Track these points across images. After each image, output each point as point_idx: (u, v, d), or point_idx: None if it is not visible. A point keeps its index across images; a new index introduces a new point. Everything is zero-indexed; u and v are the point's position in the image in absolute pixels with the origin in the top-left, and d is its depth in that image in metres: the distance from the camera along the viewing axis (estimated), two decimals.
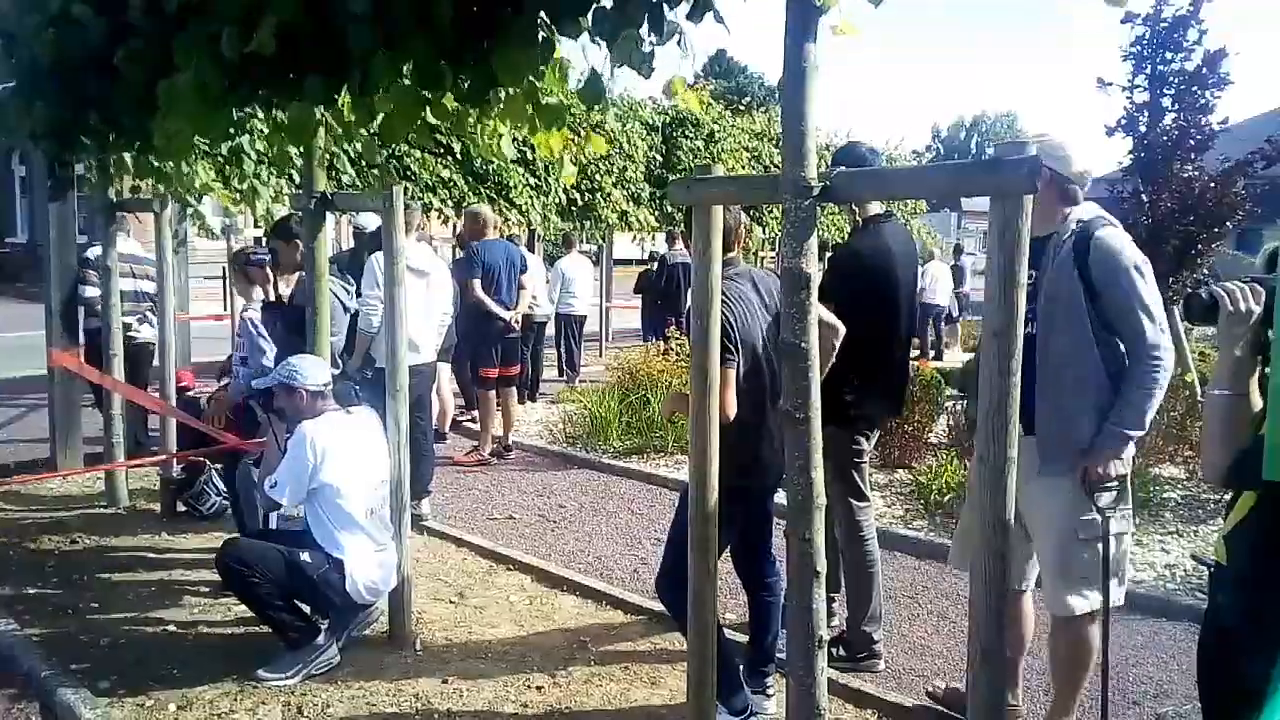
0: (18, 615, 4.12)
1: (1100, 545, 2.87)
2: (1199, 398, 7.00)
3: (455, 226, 10.37)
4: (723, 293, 3.05)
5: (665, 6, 2.39)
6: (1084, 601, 2.93)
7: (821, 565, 2.24)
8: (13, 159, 20.18)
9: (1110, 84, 9.01)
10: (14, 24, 4.58)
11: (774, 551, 3.52)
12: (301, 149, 3.97)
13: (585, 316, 11.28)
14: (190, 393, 6.10)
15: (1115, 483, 2.85)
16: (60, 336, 6.38)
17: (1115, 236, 2.90)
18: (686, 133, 13.32)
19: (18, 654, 3.76)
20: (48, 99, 4.56)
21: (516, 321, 7.54)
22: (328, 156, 6.64)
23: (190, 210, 6.35)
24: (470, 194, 9.90)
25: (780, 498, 2.93)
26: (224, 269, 11.30)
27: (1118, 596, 2.98)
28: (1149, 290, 2.82)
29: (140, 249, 6.96)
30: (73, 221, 6.69)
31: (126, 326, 6.33)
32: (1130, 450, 2.91)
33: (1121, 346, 2.85)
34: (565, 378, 10.87)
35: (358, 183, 8.28)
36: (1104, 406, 2.85)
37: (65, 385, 6.42)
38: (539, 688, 3.61)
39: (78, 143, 4.96)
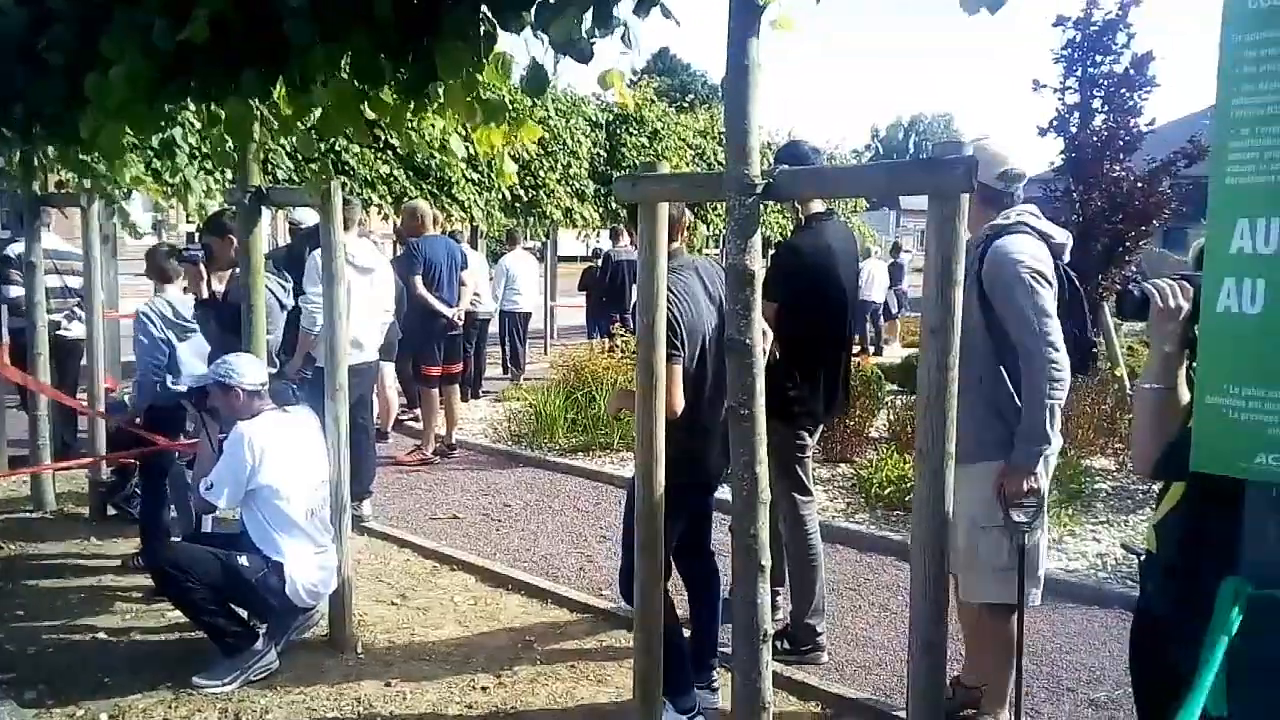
0: None
1: (1004, 535, 2.93)
2: (1128, 391, 7.23)
3: (395, 223, 10.23)
4: (668, 287, 3.06)
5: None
6: (985, 592, 3.00)
7: (766, 560, 2.26)
8: None
9: (1043, 86, 9.24)
10: None
11: (712, 546, 3.55)
12: (230, 146, 3.87)
13: (530, 313, 11.22)
14: (114, 394, 5.92)
15: (1031, 499, 2.90)
16: None
17: (1014, 246, 2.89)
18: (630, 130, 13.32)
19: None
20: None
21: (459, 318, 7.47)
22: (264, 151, 6.48)
23: (115, 207, 6.14)
24: (411, 189, 9.77)
25: (724, 493, 2.95)
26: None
27: (1034, 597, 3.06)
28: (1037, 302, 2.83)
29: (63, 243, 6.73)
30: None
31: (55, 325, 6.11)
32: (1055, 444, 2.96)
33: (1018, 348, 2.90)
34: (510, 375, 10.80)
35: (294, 177, 8.11)
36: (1003, 407, 2.92)
37: None
38: (484, 688, 3.58)
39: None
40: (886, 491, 5.82)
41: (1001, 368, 2.94)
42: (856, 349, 14.05)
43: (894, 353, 14.25)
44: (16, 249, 6.13)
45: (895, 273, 16.50)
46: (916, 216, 40.41)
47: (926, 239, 2.01)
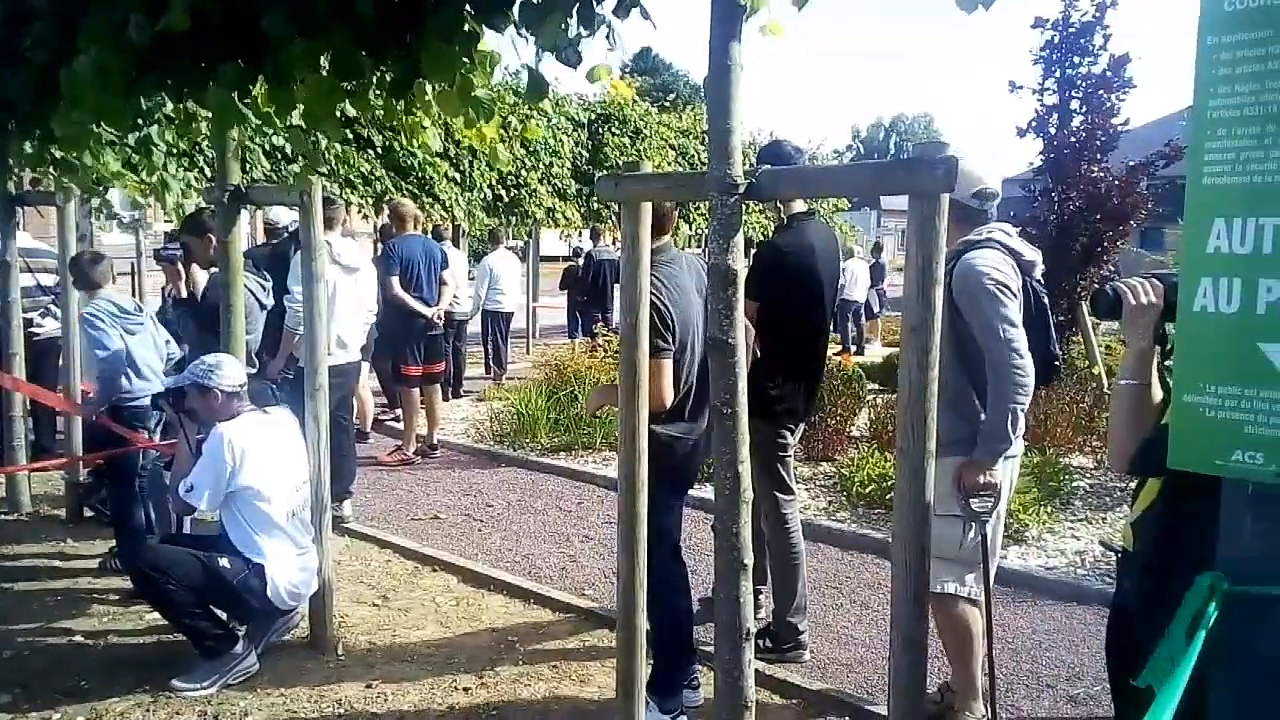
0: None
1: (958, 525, 3.02)
2: (1106, 389, 7.29)
3: (376, 222, 10.20)
4: (659, 280, 3.09)
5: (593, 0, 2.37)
6: (936, 582, 3.03)
7: (749, 558, 2.26)
8: None
9: (1021, 87, 9.32)
10: None
11: (695, 545, 3.55)
12: (211, 141, 3.84)
13: (512, 313, 11.19)
14: (91, 397, 5.85)
15: (989, 492, 3.00)
16: None
17: (981, 259, 3.00)
18: (613, 129, 13.32)
19: None
20: None
21: (439, 318, 7.44)
22: (241, 149, 6.43)
23: (98, 201, 6.06)
24: (392, 190, 9.73)
25: (705, 491, 2.96)
26: (132, 264, 10.85)
27: (980, 587, 3.11)
28: (1002, 312, 2.93)
29: (33, 241, 6.65)
30: None
31: (28, 322, 6.03)
32: (1017, 447, 3.05)
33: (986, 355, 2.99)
34: (492, 375, 10.77)
35: (272, 176, 8.05)
36: (965, 409, 3.01)
37: None
38: (466, 689, 3.57)
39: None
40: (868, 490, 5.84)
41: (965, 373, 3.03)
42: (838, 348, 14.14)
43: (875, 352, 14.32)
44: None
45: (876, 272, 16.60)
46: (897, 216, 40.64)
47: (907, 239, 2.02)
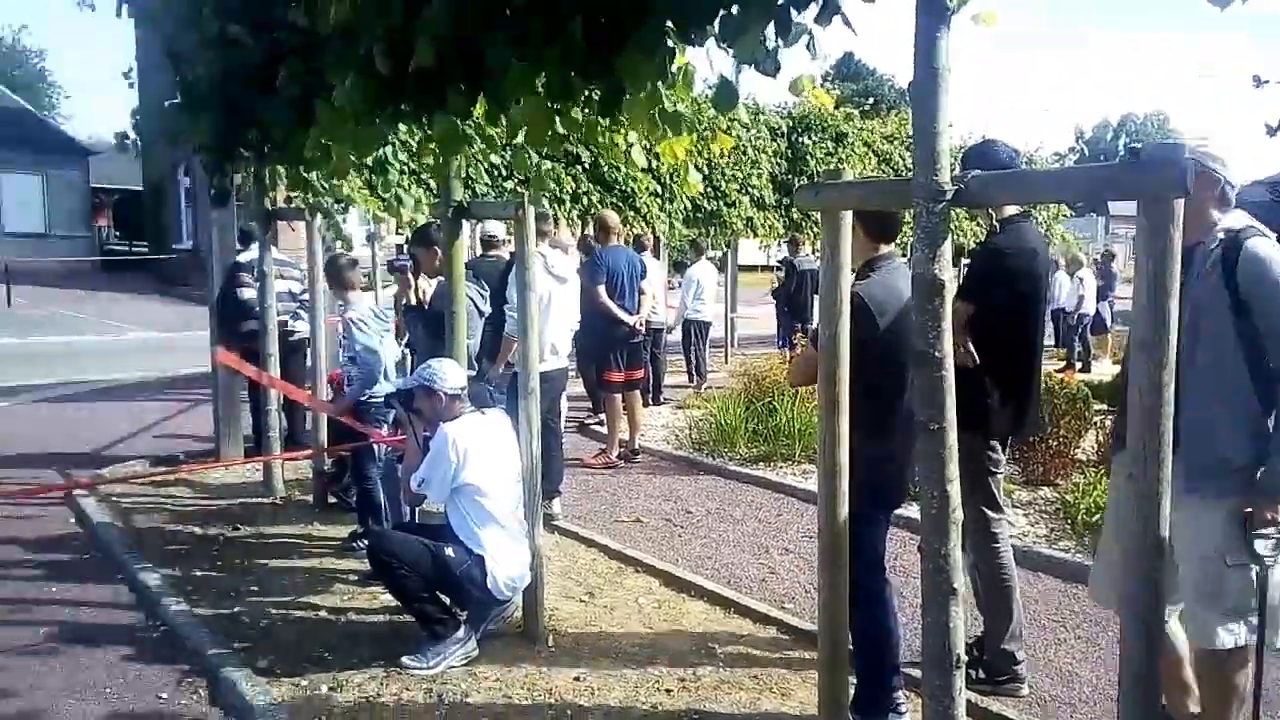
0: (188, 596, 4.47)
1: (1253, 572, 2.65)
2: None
3: (578, 234, 10.61)
4: (877, 284, 3.14)
5: (792, 9, 2.37)
6: (1229, 635, 2.72)
7: (958, 581, 2.17)
8: (178, 171, 21.93)
9: (1267, 81, 8.37)
10: (179, 43, 4.98)
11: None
12: (439, 161, 4.15)
13: (710, 322, 11.30)
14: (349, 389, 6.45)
15: (1275, 529, 2.60)
16: (221, 336, 6.83)
17: (1266, 247, 2.70)
18: (813, 136, 13.17)
19: (188, 633, 4.08)
20: (211, 114, 4.92)
21: (640, 326, 7.64)
22: (465, 168, 6.87)
23: (330, 221, 6.62)
24: (598, 204, 10.11)
25: (912, 510, 2.88)
26: (367, 275, 11.86)
27: (1272, 639, 2.75)
28: None
29: (278, 253, 7.42)
30: (232, 229, 7.20)
31: (283, 324, 6.70)
32: None
33: (1271, 363, 2.65)
34: (693, 384, 10.91)
35: (491, 192, 8.59)
36: (1254, 423, 2.67)
37: (227, 381, 6.88)
38: (668, 690, 3.64)
39: (236, 155, 5.33)
40: (1094, 518, 5.40)
41: (1257, 384, 2.68)
42: (1063, 364, 13.28)
43: (1104, 369, 13.27)
44: (246, 257, 6.82)
45: (1106, 282, 15.36)
46: (1127, 223, 37.55)
47: (1136, 247, 1.88)
